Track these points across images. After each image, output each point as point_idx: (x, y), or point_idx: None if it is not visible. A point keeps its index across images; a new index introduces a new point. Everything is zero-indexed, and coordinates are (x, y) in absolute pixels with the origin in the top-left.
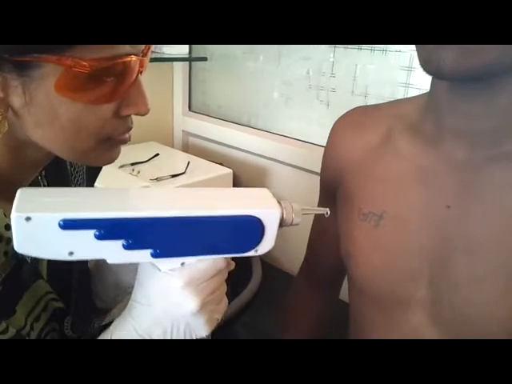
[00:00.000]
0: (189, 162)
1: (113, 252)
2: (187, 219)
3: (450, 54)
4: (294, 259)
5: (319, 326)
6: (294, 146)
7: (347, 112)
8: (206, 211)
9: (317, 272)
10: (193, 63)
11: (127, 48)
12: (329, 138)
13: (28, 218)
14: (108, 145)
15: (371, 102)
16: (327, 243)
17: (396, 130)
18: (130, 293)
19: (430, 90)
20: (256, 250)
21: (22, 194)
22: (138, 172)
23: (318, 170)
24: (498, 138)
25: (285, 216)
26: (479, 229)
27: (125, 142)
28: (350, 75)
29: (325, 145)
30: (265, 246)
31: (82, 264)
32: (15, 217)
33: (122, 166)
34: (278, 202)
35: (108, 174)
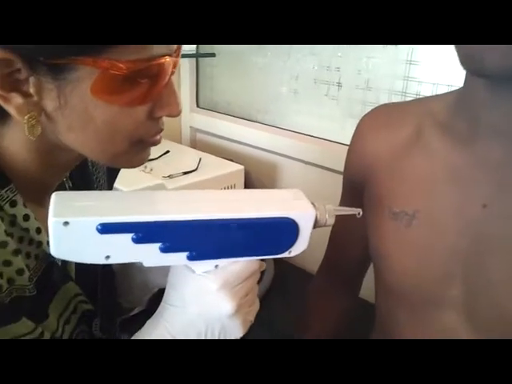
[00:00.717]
0: (200, 159)
1: (149, 255)
2: (223, 221)
3: (495, 53)
4: (306, 255)
5: (340, 324)
6: (304, 141)
7: (373, 109)
8: (243, 213)
9: (338, 270)
10: (200, 59)
11: (162, 49)
12: (354, 135)
13: (66, 223)
14: (139, 147)
15: (382, 96)
16: (350, 242)
17: (425, 127)
18: (155, 293)
19: (465, 87)
20: (290, 252)
21: (57, 199)
22: (151, 169)
23: (329, 165)
24: None
25: (319, 217)
26: None
27: (156, 143)
28: (354, 69)
29: (335, 139)
30: (299, 247)
31: (107, 265)
32: (53, 222)
33: None
34: (312, 203)
35: (122, 172)
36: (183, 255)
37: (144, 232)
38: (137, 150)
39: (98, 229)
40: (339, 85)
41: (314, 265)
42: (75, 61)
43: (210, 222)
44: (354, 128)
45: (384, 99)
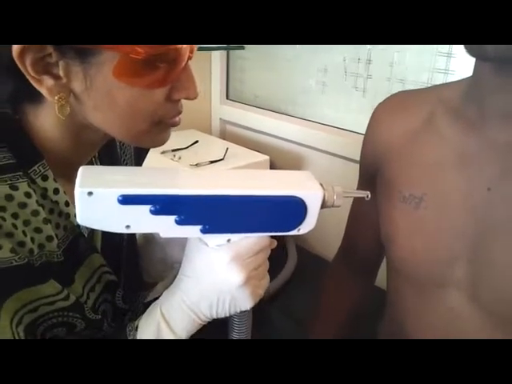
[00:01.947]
0: (227, 149)
1: (166, 226)
2: (235, 198)
3: None
4: (329, 244)
5: (354, 311)
6: (330, 133)
7: (388, 97)
8: (253, 191)
9: (354, 256)
10: (230, 52)
11: None
12: (370, 122)
13: (90, 193)
14: (160, 128)
15: (408, 87)
16: (366, 227)
17: (437, 113)
18: (175, 268)
19: (474, 72)
20: (298, 229)
21: (83, 172)
22: (179, 158)
23: (355, 157)
24: None
25: (326, 197)
26: None
27: (175, 124)
28: (387, 62)
29: (362, 131)
30: (307, 226)
31: (131, 240)
32: (79, 192)
33: (163, 152)
34: (320, 185)
35: (151, 160)
36: (197, 228)
37: (161, 204)
38: (158, 131)
39: (118, 199)
40: (369, 77)
41: (335, 254)
42: (99, 46)
43: (222, 197)
44: None
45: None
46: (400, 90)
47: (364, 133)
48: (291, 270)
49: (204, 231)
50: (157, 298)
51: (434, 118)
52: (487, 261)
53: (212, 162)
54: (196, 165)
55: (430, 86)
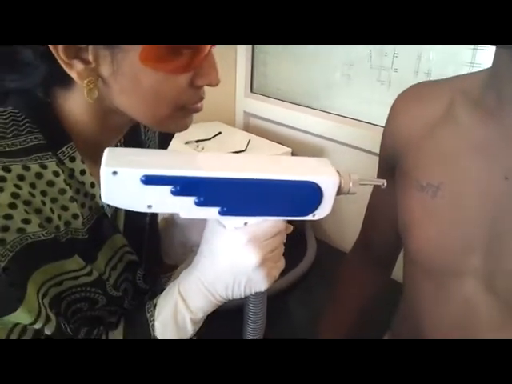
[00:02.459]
0: (249, 140)
1: (185, 207)
2: (253, 181)
3: None
4: (348, 237)
5: (369, 302)
6: (352, 126)
7: (408, 88)
8: (271, 175)
9: (371, 248)
10: (255, 46)
11: None
12: (390, 112)
13: (115, 173)
14: (183, 113)
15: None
16: (383, 220)
17: (457, 103)
18: (194, 252)
19: (493, 61)
20: (314, 215)
21: (109, 152)
22: (202, 148)
23: (377, 150)
24: None
25: (342, 184)
26: None
27: (197, 110)
28: (414, 54)
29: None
30: (322, 212)
31: (153, 222)
32: (104, 171)
33: (187, 143)
34: (337, 171)
35: (175, 149)
36: (215, 210)
37: (181, 185)
38: (180, 116)
39: (141, 180)
40: (395, 70)
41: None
42: None
43: (240, 180)
44: None
45: None
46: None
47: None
48: (310, 262)
49: (222, 213)
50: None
51: (452, 107)
52: (503, 250)
53: (234, 152)
54: None
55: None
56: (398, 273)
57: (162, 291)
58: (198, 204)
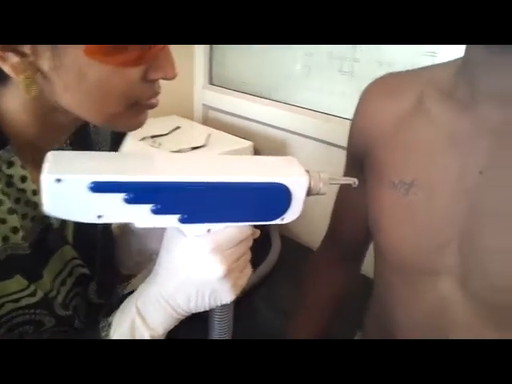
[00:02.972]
0: (209, 135)
1: (141, 216)
2: (215, 185)
3: None
4: (313, 232)
5: (340, 300)
6: (315, 118)
7: (377, 79)
8: (234, 178)
9: (340, 244)
10: None
11: None
12: (357, 105)
13: (58, 180)
14: (136, 109)
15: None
16: (352, 214)
17: (428, 95)
18: (154, 260)
19: (466, 51)
20: (282, 218)
21: (52, 157)
22: (159, 144)
23: (340, 142)
24: None
25: (312, 184)
26: None
27: (152, 106)
28: (375, 45)
29: (348, 116)
30: (291, 215)
31: (107, 230)
32: (46, 178)
33: (143, 139)
34: (306, 171)
35: (129, 147)
36: (175, 218)
37: (135, 192)
38: (133, 113)
39: (89, 187)
40: (356, 60)
41: (319, 242)
42: None
43: (201, 185)
44: None
45: None
46: (380, 72)
47: (349, 117)
48: (275, 259)
49: (182, 221)
50: (132, 292)
51: (423, 100)
52: (479, 247)
53: (194, 148)
54: (177, 151)
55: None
56: (368, 269)
57: (117, 305)
58: (155, 212)
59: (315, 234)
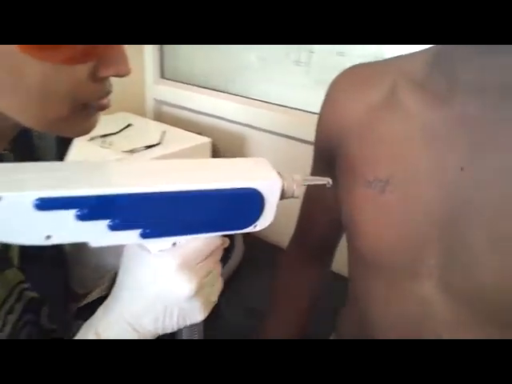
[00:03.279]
0: (164, 132)
1: (97, 234)
2: (180, 194)
3: None
4: (276, 228)
5: (312, 300)
6: (274, 111)
7: (345, 70)
8: (200, 185)
9: (310, 243)
10: None
11: None
12: (325, 98)
13: None
14: (84, 112)
15: (355, 61)
16: (321, 212)
17: (401, 87)
18: (112, 276)
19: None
20: (255, 226)
21: None
22: (110, 144)
23: (300, 135)
24: None
25: (285, 187)
26: (497, 191)
27: (103, 108)
28: None
29: (307, 108)
30: (264, 221)
31: (57, 247)
32: None
33: (92, 139)
34: (278, 173)
35: (77, 148)
36: (135, 233)
37: (89, 207)
38: (82, 116)
39: (35, 205)
40: (312, 51)
41: (283, 238)
42: None
43: (164, 195)
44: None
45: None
46: (345, 63)
47: (308, 109)
48: (239, 259)
49: (144, 236)
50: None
51: (396, 91)
52: (461, 247)
53: (148, 147)
54: (130, 151)
55: (379, 58)
56: (342, 267)
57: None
58: (113, 228)
59: (278, 230)
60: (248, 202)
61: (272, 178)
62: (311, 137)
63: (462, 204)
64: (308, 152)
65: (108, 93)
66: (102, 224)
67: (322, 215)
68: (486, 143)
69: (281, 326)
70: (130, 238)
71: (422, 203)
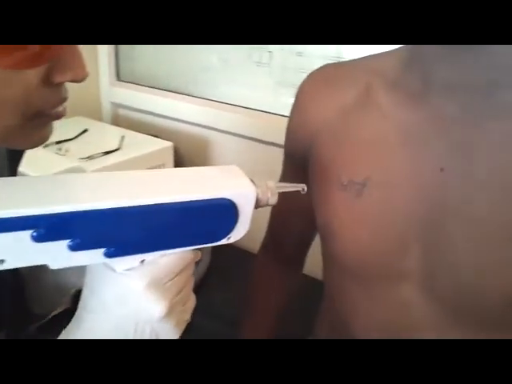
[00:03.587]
0: (123, 137)
1: (56, 255)
2: (147, 208)
3: None
4: (247, 235)
5: (286, 302)
6: (237, 113)
7: (316, 70)
8: (169, 197)
9: (282, 248)
10: None
11: None
12: (295, 100)
13: None
14: (37, 122)
15: (315, 61)
16: (294, 217)
17: (375, 87)
18: (74, 295)
19: None
20: (229, 238)
21: None
22: (66, 151)
23: (264, 137)
24: (494, 90)
25: (260, 196)
26: (478, 191)
27: (59, 116)
28: None
29: (269, 110)
30: (239, 232)
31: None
32: None
33: (46, 146)
34: (251, 180)
35: (31, 157)
36: (99, 252)
37: (47, 227)
38: (35, 126)
39: None
40: (270, 51)
41: (251, 242)
42: None
43: (129, 209)
44: (288, 97)
45: (311, 65)
46: (305, 64)
47: (270, 111)
48: (206, 265)
49: (109, 255)
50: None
51: (370, 91)
52: (442, 248)
53: (106, 152)
54: (88, 158)
55: (338, 59)
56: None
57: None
58: (74, 248)
59: (246, 234)
60: (221, 213)
61: (246, 187)
62: (275, 138)
63: (442, 205)
64: (273, 154)
65: (64, 99)
66: (62, 244)
67: (296, 218)
68: (467, 143)
69: (259, 329)
70: (93, 257)
71: (401, 205)
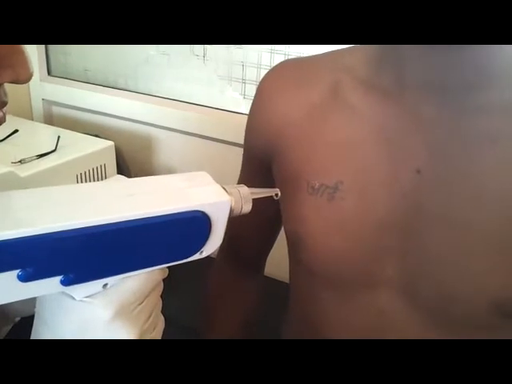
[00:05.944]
0: (59, 137)
1: (5, 288)
2: (108, 228)
3: None
4: None
5: (249, 308)
6: (181, 109)
7: (276, 66)
8: (132, 213)
9: (242, 253)
10: None
11: None
12: (256, 98)
13: None
14: None
15: (251, 53)
16: (255, 222)
17: (343, 84)
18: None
19: None
20: (201, 252)
21: None
22: None
23: (211, 134)
24: (470, 89)
25: (233, 205)
26: (456, 193)
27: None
28: None
29: (210, 104)
30: (212, 246)
31: None
32: None
33: None
34: (223, 188)
35: None
36: (55, 281)
37: None
38: None
39: None
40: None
41: None
42: None
43: (87, 230)
44: (231, 92)
45: (253, 58)
46: (242, 56)
47: (211, 105)
48: None
49: (67, 283)
50: None
51: (339, 89)
52: (422, 254)
53: (41, 155)
54: (20, 161)
55: (278, 52)
56: (277, 272)
57: None
58: (26, 279)
59: None
60: (193, 226)
61: (219, 197)
62: (224, 135)
63: (420, 209)
64: (221, 151)
65: (3, 104)
66: (11, 276)
67: (255, 224)
68: (444, 144)
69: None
70: (48, 287)
71: (377, 210)
